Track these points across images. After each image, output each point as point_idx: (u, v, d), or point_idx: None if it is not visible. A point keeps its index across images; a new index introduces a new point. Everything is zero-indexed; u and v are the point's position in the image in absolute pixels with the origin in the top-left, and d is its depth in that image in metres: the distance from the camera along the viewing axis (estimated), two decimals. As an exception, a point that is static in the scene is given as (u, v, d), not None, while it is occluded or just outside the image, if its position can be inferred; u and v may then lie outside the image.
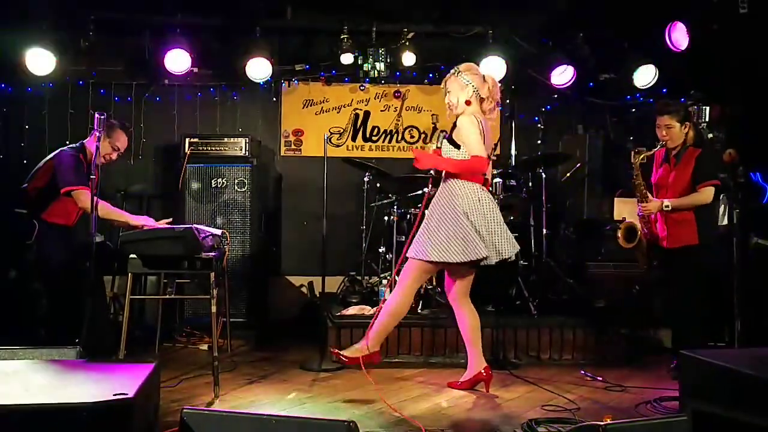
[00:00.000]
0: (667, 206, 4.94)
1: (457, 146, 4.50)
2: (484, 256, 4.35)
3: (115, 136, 5.18)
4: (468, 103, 4.55)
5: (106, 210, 4.95)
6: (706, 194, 4.92)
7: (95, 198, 4.32)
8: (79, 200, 4.88)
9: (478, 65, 6.45)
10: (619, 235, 5.25)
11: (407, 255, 4.54)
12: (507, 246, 4.48)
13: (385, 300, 5.49)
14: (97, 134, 4.48)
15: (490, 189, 5.74)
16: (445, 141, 4.58)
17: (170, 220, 5.35)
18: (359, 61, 7.00)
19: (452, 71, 4.63)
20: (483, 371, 4.63)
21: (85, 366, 3.22)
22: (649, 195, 5.10)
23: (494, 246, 4.42)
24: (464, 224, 4.35)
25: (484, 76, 4.67)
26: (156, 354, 5.59)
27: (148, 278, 6.13)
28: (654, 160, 5.29)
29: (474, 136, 4.42)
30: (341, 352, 4.52)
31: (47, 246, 4.97)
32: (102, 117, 4.45)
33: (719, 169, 5.02)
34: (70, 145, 5.19)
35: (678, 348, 5.12)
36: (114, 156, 5.25)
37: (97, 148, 4.49)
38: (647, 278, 5.69)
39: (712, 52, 6.20)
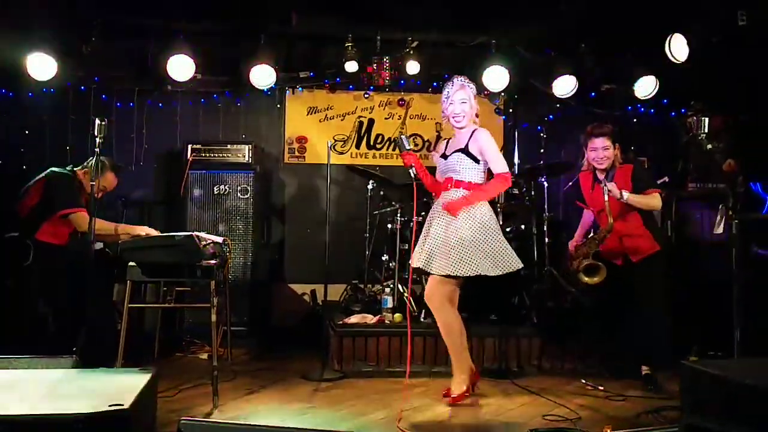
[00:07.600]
0: (623, 197, 4.85)
1: (476, 160, 4.50)
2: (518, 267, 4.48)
3: (104, 176, 5.03)
4: (477, 115, 4.64)
5: (100, 226, 4.82)
6: (657, 198, 4.99)
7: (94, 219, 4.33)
8: (78, 224, 4.83)
9: (481, 75, 6.60)
10: (586, 279, 5.12)
11: (431, 272, 4.51)
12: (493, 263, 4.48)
13: (387, 309, 5.55)
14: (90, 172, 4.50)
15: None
16: (459, 153, 4.56)
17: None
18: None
19: (464, 82, 4.62)
20: (472, 369, 4.71)
21: (82, 376, 3.21)
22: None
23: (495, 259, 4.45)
24: (489, 238, 4.42)
25: None
26: (154, 363, 5.56)
27: (148, 286, 6.08)
28: (581, 185, 5.34)
29: (498, 152, 4.53)
30: (454, 398, 4.54)
31: (47, 266, 4.85)
32: (103, 123, 4.42)
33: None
34: (60, 168, 4.99)
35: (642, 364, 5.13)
36: (100, 195, 4.96)
37: (91, 185, 4.43)
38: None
39: (712, 63, 6.20)
